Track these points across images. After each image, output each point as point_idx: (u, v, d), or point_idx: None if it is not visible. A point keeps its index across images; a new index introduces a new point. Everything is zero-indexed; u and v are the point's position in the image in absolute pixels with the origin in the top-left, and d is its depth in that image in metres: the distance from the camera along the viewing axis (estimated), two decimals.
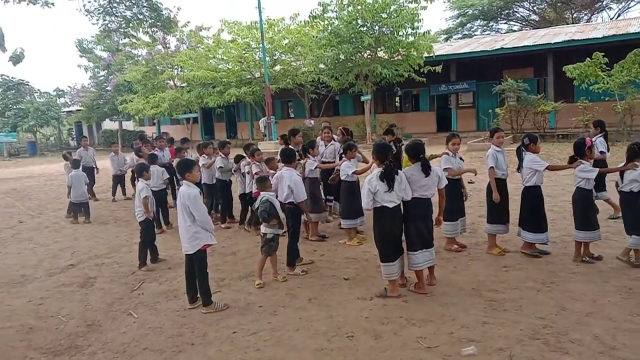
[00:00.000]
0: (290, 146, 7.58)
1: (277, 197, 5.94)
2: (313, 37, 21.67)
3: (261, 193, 5.77)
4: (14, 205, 12.98)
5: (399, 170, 4.97)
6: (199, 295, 5.14)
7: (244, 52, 24.42)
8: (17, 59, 45.27)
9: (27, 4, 16.21)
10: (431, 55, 20.83)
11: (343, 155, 7.36)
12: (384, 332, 4.25)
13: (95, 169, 13.08)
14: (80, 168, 10.45)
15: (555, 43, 20.80)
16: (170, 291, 5.72)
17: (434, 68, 20.00)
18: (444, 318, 4.47)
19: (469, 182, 10.68)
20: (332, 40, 20.06)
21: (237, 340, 4.33)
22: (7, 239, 9.08)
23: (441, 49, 25.80)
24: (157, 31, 20.84)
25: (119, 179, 12.65)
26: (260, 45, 21.83)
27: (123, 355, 4.23)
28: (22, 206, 12.66)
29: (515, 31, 37.47)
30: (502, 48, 22.18)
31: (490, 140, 6.46)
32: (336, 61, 21.24)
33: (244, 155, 8.44)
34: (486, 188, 6.41)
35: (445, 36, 43.75)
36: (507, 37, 27.07)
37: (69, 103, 40.77)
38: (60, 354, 4.37)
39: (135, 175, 7.35)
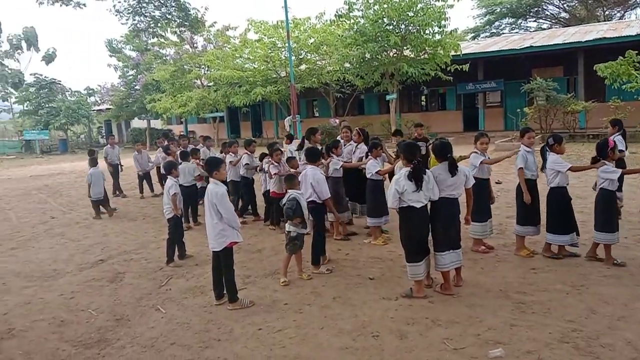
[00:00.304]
0: (309, 145, 7.68)
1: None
2: (339, 36, 21.65)
3: (289, 191, 5.80)
4: (47, 201, 13.33)
5: (426, 170, 4.94)
6: (225, 292, 5.20)
7: (270, 51, 24.55)
8: (49, 58, 46.70)
9: (60, 5, 16.67)
10: (458, 53, 20.60)
11: (369, 154, 7.36)
12: (409, 333, 4.23)
13: (120, 166, 13.36)
14: (98, 166, 10.65)
15: (586, 41, 20.35)
16: (197, 287, 5.80)
17: (461, 67, 19.79)
18: (471, 319, 4.42)
19: (496, 183, 10.55)
20: (357, 39, 20.02)
21: (262, 337, 4.37)
22: (40, 234, 9.33)
23: (468, 47, 25.50)
24: (185, 31, 21.24)
25: (143, 177, 12.90)
26: (286, 44, 21.92)
27: (151, 350, 4.31)
28: (54, 202, 12.99)
29: (544, 29, 36.74)
30: (531, 46, 21.79)
31: (521, 140, 6.35)
32: (362, 60, 21.18)
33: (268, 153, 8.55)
34: (515, 189, 6.31)
35: (473, 35, 43.24)
36: (537, 36, 26.56)
37: (99, 102, 41.67)
38: (90, 347, 4.47)
39: (164, 173, 7.46)
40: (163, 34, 21.30)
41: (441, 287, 5.10)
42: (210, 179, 5.17)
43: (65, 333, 4.78)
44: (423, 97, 28.56)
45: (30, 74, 40.68)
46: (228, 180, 9.03)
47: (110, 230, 9.25)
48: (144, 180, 12.91)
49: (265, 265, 6.49)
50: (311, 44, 24.24)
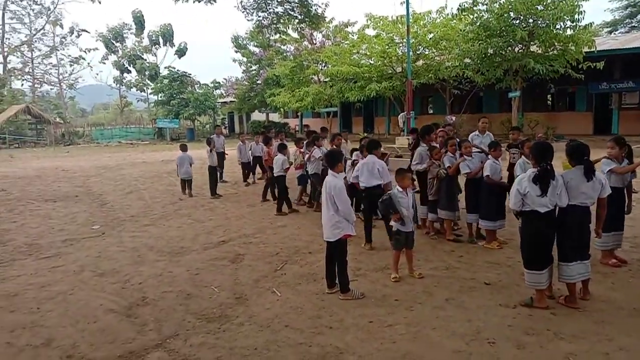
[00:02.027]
0: (422, 144, 7.73)
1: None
2: (460, 30, 20.99)
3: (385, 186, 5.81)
4: (175, 184, 14.49)
5: (555, 174, 4.60)
6: (337, 282, 5.31)
7: (387, 47, 24.44)
8: (181, 52, 50.44)
9: (193, 2, 17.94)
10: (592, 50, 18.97)
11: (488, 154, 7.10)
12: (528, 343, 4.01)
13: (224, 154, 14.50)
14: (188, 151, 12.80)
15: None
16: (310, 274, 5.98)
17: (594, 64, 18.24)
18: (599, 336, 4.08)
19: (633, 192, 9.59)
20: (480, 34, 19.30)
21: (373, 330, 4.40)
22: (170, 213, 10.21)
23: (604, 43, 23.33)
24: (304, 27, 21.85)
25: (246, 166, 14.01)
26: (405, 40, 21.67)
27: (267, 330, 4.52)
28: None
29: None
30: None
31: None
32: (483, 55, 20.35)
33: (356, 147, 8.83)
34: None
35: (609, 29, 39.58)
36: None
37: (224, 94, 44.41)
38: (212, 321, 4.80)
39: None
40: (285, 30, 22.08)
41: (565, 299, 4.76)
42: (330, 172, 5.31)
43: (190, 306, 5.18)
44: (549, 96, 26.72)
45: (165, 67, 44.46)
46: (311, 173, 9.42)
47: (232, 214, 9.85)
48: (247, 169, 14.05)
49: (376, 259, 6.52)
50: (430, 39, 23.72)
